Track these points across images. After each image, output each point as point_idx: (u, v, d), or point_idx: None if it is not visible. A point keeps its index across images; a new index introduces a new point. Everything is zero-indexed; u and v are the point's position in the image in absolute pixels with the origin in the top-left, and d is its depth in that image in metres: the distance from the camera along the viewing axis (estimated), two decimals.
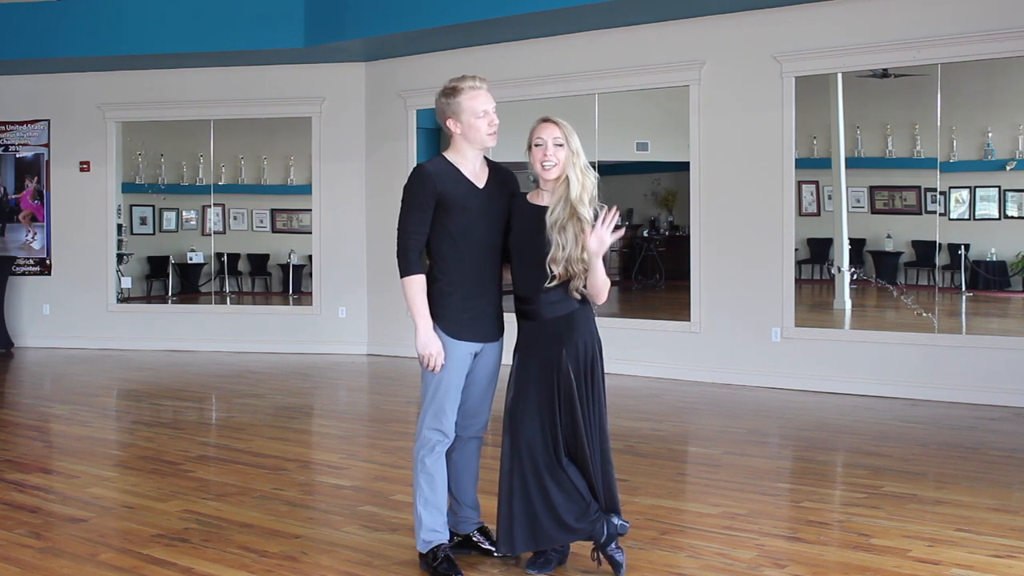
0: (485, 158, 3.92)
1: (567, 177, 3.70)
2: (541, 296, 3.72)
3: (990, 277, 8.04)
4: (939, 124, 7.70)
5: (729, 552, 4.09)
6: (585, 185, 3.70)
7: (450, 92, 3.81)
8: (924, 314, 7.83)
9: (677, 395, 7.99)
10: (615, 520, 3.75)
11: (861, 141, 8.41)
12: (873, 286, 8.43)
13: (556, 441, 3.72)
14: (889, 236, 8.35)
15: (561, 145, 3.71)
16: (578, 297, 3.72)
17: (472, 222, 3.77)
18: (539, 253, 3.69)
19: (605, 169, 9.15)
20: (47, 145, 11.24)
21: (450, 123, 3.82)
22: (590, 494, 3.73)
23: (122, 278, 11.22)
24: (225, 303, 11.11)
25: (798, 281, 8.28)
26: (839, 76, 8.11)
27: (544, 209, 3.72)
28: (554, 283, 3.68)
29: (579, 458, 3.73)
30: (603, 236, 3.61)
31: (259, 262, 11.45)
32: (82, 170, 11.13)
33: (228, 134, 11.06)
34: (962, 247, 7.96)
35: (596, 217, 3.68)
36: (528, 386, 3.76)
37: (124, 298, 11.25)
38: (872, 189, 8.39)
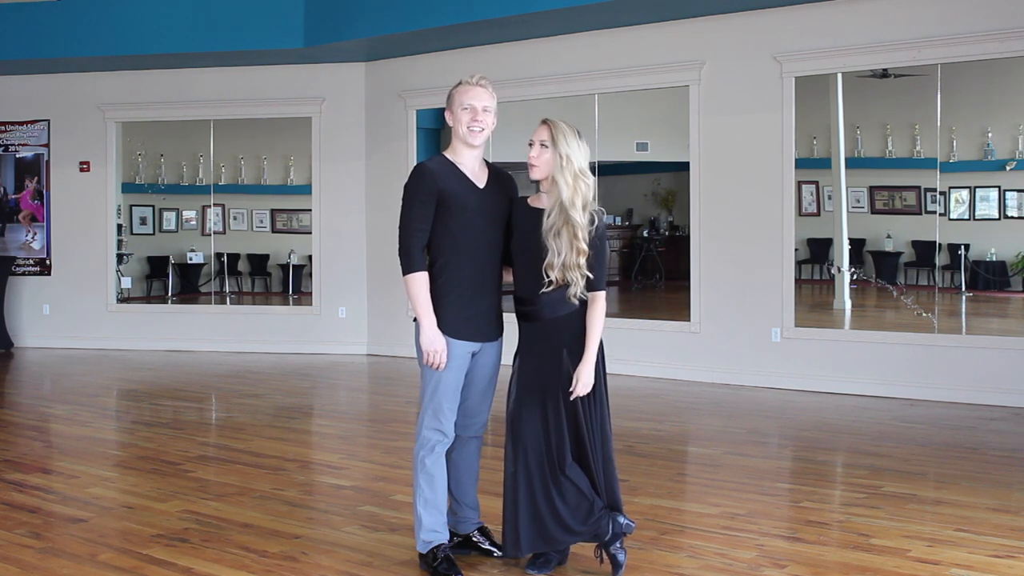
0: (485, 160, 3.93)
1: (557, 181, 3.69)
2: (541, 297, 3.72)
3: (990, 277, 8.04)
4: (939, 124, 7.70)
5: (729, 552, 4.09)
6: (577, 189, 3.66)
7: (455, 85, 3.85)
8: (924, 314, 7.83)
9: (677, 395, 7.99)
10: (621, 519, 3.75)
11: (861, 141, 8.41)
12: (873, 286, 8.43)
13: (561, 445, 3.71)
14: (889, 236, 8.35)
15: (547, 147, 3.71)
16: (575, 304, 3.71)
17: (471, 221, 3.78)
18: (540, 256, 3.69)
19: (605, 169, 9.18)
20: (47, 145, 11.24)
21: (446, 114, 3.88)
22: (593, 492, 3.73)
23: (122, 278, 11.22)
24: (225, 303, 11.11)
25: (798, 281, 8.28)
26: (839, 76, 8.12)
27: (543, 212, 3.73)
28: (551, 288, 3.68)
29: (582, 457, 3.73)
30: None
31: (259, 262, 11.45)
32: (82, 170, 11.13)
33: (228, 134, 11.06)
34: (962, 247, 7.96)
35: (593, 223, 3.68)
36: (530, 388, 3.76)
37: (124, 298, 11.26)
38: (872, 189, 8.40)
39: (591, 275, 3.69)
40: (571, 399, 3.69)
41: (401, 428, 6.70)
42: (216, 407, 7.96)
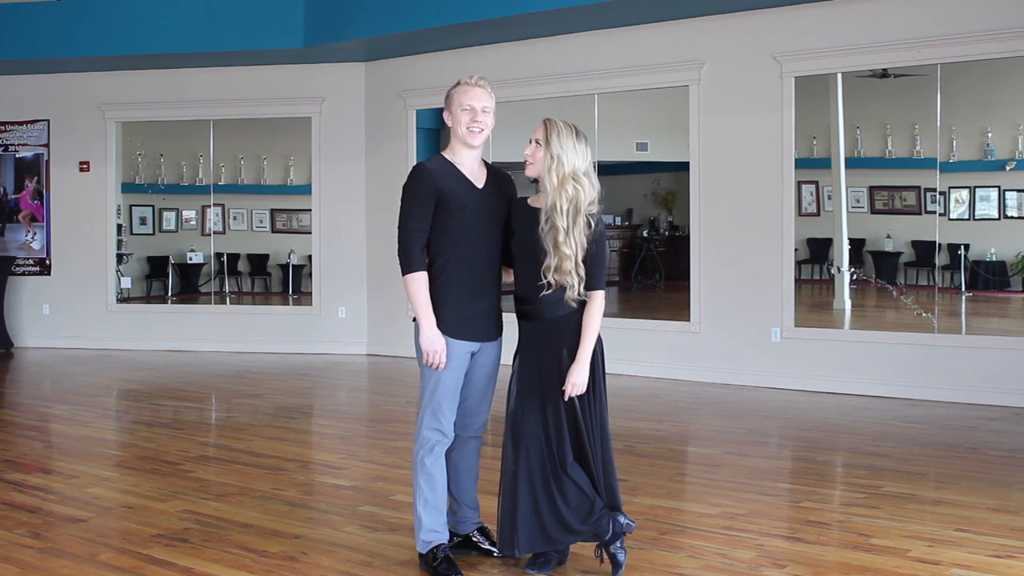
0: (484, 161, 3.93)
1: (544, 182, 3.69)
2: (542, 297, 3.71)
3: (990, 277, 8.04)
4: (939, 124, 7.70)
5: (729, 552, 4.09)
6: (563, 192, 3.63)
7: (453, 85, 3.86)
8: (924, 314, 7.83)
9: (677, 395, 7.99)
10: (621, 519, 3.75)
11: (861, 141, 8.41)
12: (873, 286, 8.43)
13: (561, 445, 3.71)
14: (889, 236, 8.35)
15: (540, 144, 3.71)
16: (574, 306, 3.71)
17: (470, 221, 3.78)
18: (538, 257, 3.68)
19: (605, 169, 9.16)
20: (47, 145, 11.24)
21: (445, 114, 3.88)
22: (594, 491, 3.73)
23: (122, 278, 11.22)
24: (225, 303, 11.11)
25: (798, 281, 8.28)
26: (839, 76, 8.12)
27: (540, 211, 3.73)
28: (550, 290, 3.68)
29: (582, 457, 3.73)
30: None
31: (259, 262, 11.45)
32: (82, 170, 11.13)
33: (228, 134, 11.06)
34: (962, 247, 7.96)
35: (590, 227, 3.66)
36: (530, 387, 3.76)
37: (124, 298, 11.26)
38: (872, 189, 8.40)
39: (590, 273, 3.68)
40: (566, 399, 3.69)
41: (401, 428, 6.71)
42: (216, 407, 7.96)
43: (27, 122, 11.27)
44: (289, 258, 11.26)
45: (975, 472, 5.44)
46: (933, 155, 7.75)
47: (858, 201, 8.45)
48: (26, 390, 8.88)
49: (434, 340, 3.74)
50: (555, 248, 3.63)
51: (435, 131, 10.83)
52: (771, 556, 4.04)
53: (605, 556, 3.78)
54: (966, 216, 7.98)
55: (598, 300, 3.72)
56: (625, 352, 8.53)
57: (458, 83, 3.84)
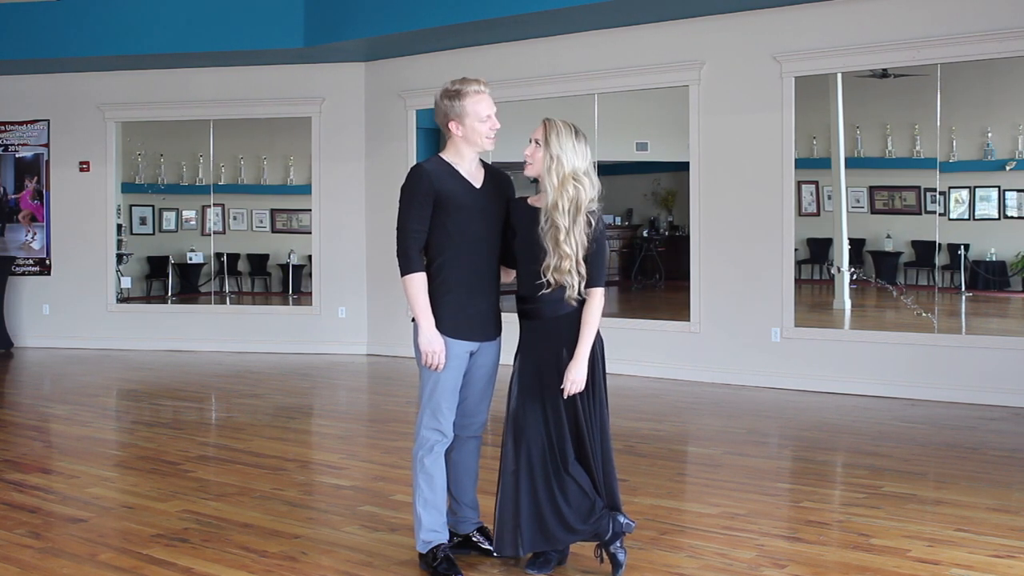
0: (482, 161, 3.94)
1: (544, 182, 3.69)
2: (543, 296, 3.72)
3: (990, 277, 8.04)
4: (939, 124, 7.70)
5: (729, 552, 4.09)
6: (564, 192, 3.63)
7: (453, 95, 3.80)
8: (924, 314, 7.83)
9: (677, 395, 7.99)
10: (621, 519, 3.75)
11: (861, 141, 8.41)
12: (873, 286, 8.43)
13: (563, 444, 3.71)
14: (889, 236, 8.35)
15: (539, 144, 3.71)
16: (575, 305, 3.71)
17: (469, 221, 3.78)
18: (538, 256, 3.69)
19: (605, 169, 9.16)
20: (47, 145, 11.24)
21: (452, 125, 3.81)
22: (594, 491, 3.73)
23: (122, 278, 11.22)
24: (225, 303, 11.11)
25: (798, 281, 8.28)
26: (839, 76, 8.12)
27: (540, 211, 3.73)
28: (550, 289, 3.68)
29: (582, 456, 3.73)
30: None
31: (259, 262, 11.45)
32: (82, 170, 11.13)
33: (228, 134, 11.06)
34: (962, 247, 7.96)
35: (591, 225, 3.67)
36: (531, 387, 3.76)
37: (124, 298, 11.26)
38: (872, 189, 8.40)
39: (590, 272, 3.68)
40: (565, 397, 3.69)
41: (401, 428, 6.71)
42: (216, 407, 7.96)
43: (27, 122, 11.27)
44: (289, 258, 11.26)
45: (975, 472, 5.44)
46: (933, 155, 7.75)
47: (858, 201, 8.45)
48: (26, 390, 8.88)
49: (433, 340, 3.74)
50: (555, 247, 3.64)
51: (435, 131, 10.82)
52: (771, 556, 4.05)
53: (605, 556, 3.78)
54: (966, 216, 7.98)
55: (597, 297, 3.72)
56: (625, 352, 8.53)
57: (461, 90, 3.78)
